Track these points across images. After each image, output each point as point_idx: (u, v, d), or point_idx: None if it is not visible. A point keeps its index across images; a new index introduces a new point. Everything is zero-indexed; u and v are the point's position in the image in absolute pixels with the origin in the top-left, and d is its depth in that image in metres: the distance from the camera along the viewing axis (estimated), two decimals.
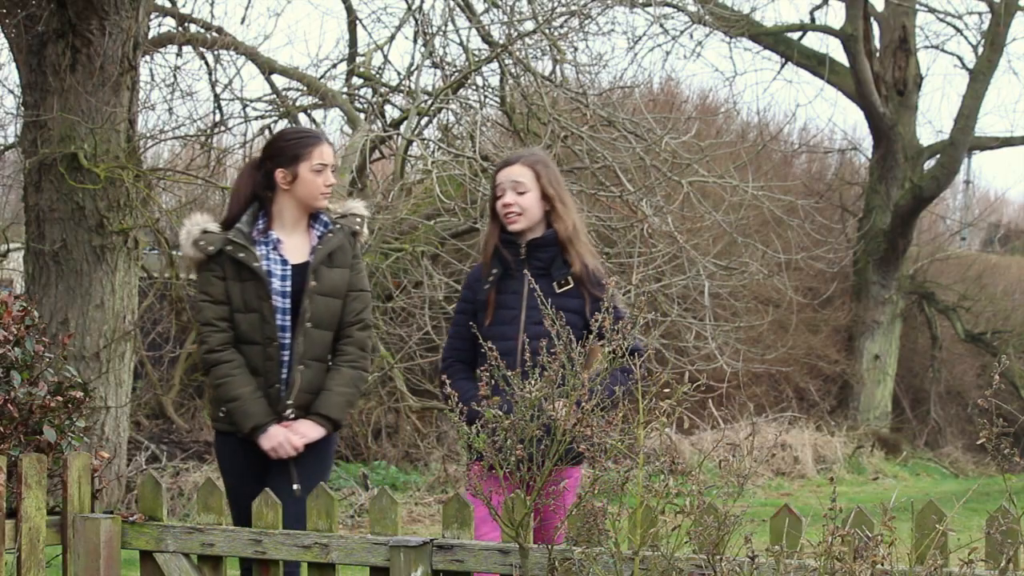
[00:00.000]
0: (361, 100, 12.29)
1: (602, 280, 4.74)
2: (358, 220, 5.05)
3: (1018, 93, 44.24)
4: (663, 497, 3.49)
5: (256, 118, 12.06)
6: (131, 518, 4.27)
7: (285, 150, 4.97)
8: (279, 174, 4.93)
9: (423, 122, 11.71)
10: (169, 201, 11.41)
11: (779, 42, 19.13)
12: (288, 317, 4.85)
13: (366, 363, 5.00)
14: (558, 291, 4.70)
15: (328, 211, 5.02)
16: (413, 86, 11.53)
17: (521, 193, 4.82)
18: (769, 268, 13.15)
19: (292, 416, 4.81)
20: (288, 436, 4.77)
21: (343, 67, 12.61)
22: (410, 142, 11.28)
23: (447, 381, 4.87)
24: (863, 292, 18.72)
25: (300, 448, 4.78)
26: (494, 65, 11.39)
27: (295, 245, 4.94)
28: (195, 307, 4.98)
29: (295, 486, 4.71)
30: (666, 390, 3.57)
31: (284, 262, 4.89)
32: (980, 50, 18.43)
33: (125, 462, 9.19)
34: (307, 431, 4.80)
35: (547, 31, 10.99)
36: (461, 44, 11.39)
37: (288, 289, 4.86)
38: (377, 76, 12.42)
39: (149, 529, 4.26)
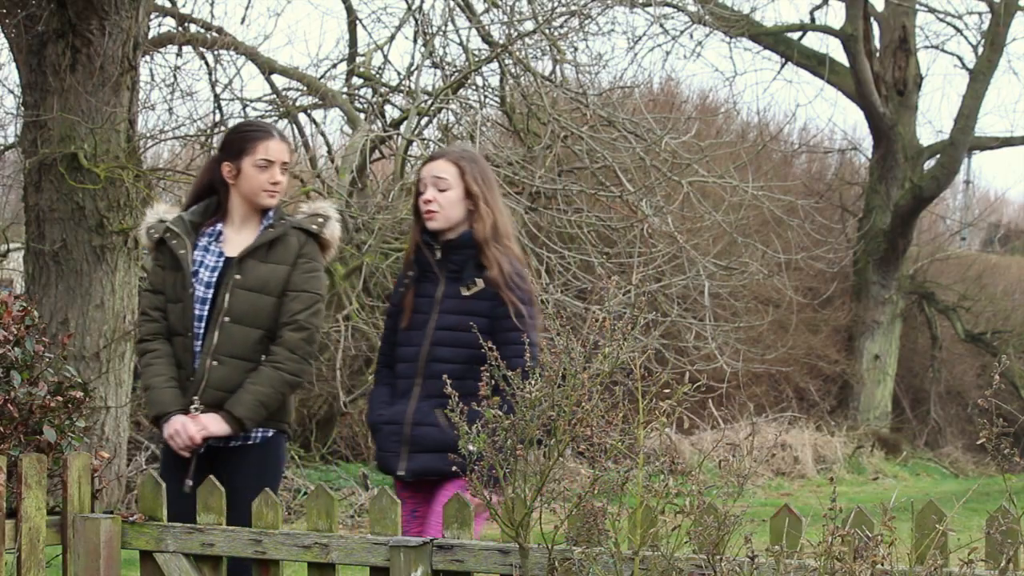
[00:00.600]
0: (361, 100, 12.30)
1: (522, 285, 4.54)
2: (319, 220, 4.83)
3: (1018, 93, 44.39)
4: (663, 497, 3.49)
5: (256, 118, 12.05)
6: (131, 518, 4.27)
7: (232, 143, 4.83)
8: (224, 167, 4.79)
9: (423, 122, 11.71)
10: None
11: (779, 42, 19.13)
12: (207, 308, 4.70)
13: (296, 366, 4.71)
14: (465, 295, 4.53)
15: (280, 208, 4.85)
16: (413, 86, 11.54)
17: (443, 190, 4.59)
18: (769, 268, 13.15)
19: (199, 411, 4.65)
20: (186, 425, 4.60)
21: (343, 67, 12.61)
22: (410, 142, 11.28)
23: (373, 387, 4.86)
24: (863, 292, 18.73)
25: (198, 440, 4.60)
26: (494, 65, 11.40)
27: (242, 240, 4.78)
28: (141, 296, 4.91)
29: (188, 482, 4.54)
30: (666, 390, 3.57)
31: (221, 254, 4.75)
32: (980, 50, 18.44)
33: (125, 462, 9.20)
34: (209, 424, 4.62)
35: (547, 31, 10.99)
36: (461, 44, 11.40)
37: (214, 281, 4.71)
38: (377, 76, 12.42)
39: (149, 529, 4.26)
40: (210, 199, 4.84)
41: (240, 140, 4.82)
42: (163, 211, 4.88)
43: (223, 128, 11.78)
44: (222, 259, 4.74)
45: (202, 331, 4.70)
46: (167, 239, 4.75)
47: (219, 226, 4.79)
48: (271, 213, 4.82)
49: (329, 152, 12.77)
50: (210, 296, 4.70)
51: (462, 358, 4.40)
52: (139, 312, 4.78)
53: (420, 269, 4.63)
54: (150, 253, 4.90)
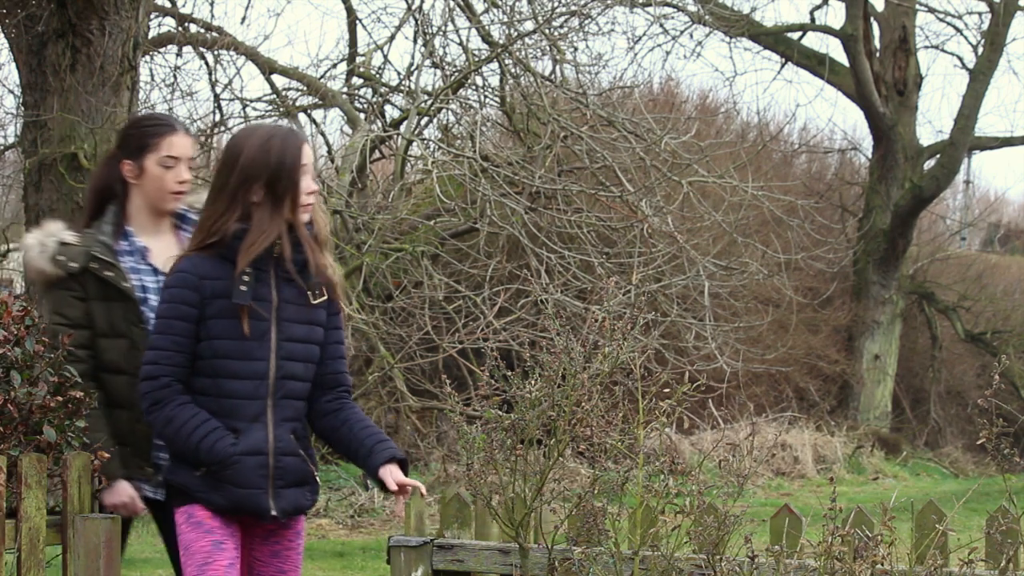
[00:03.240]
0: (361, 100, 12.31)
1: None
2: None
3: (1018, 93, 44.40)
4: (663, 497, 3.49)
5: (256, 118, 12.07)
6: None
7: (132, 139, 4.30)
8: (125, 166, 4.25)
9: (423, 122, 11.72)
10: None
11: (779, 42, 19.14)
12: None
13: None
14: (314, 303, 3.85)
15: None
16: (413, 86, 11.55)
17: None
18: (769, 268, 13.15)
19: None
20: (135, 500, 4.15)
21: (343, 67, 12.63)
22: (410, 142, 11.29)
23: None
24: (863, 292, 18.73)
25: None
26: (494, 65, 11.41)
27: (163, 250, 4.20)
28: (49, 332, 4.10)
29: None
30: (666, 390, 3.57)
31: (155, 272, 4.20)
32: (980, 50, 18.44)
33: None
34: None
35: (547, 31, 11.00)
36: (461, 44, 11.41)
37: None
38: (377, 76, 12.44)
39: None
40: (114, 210, 4.28)
41: (141, 135, 4.28)
42: (58, 231, 4.21)
43: (223, 128, 11.79)
44: (161, 279, 4.11)
45: None
46: (94, 270, 4.14)
47: (139, 240, 4.25)
48: (190, 215, 4.31)
49: (329, 152, 12.78)
50: None
51: (310, 375, 3.89)
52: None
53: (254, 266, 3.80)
54: (48, 283, 4.19)
